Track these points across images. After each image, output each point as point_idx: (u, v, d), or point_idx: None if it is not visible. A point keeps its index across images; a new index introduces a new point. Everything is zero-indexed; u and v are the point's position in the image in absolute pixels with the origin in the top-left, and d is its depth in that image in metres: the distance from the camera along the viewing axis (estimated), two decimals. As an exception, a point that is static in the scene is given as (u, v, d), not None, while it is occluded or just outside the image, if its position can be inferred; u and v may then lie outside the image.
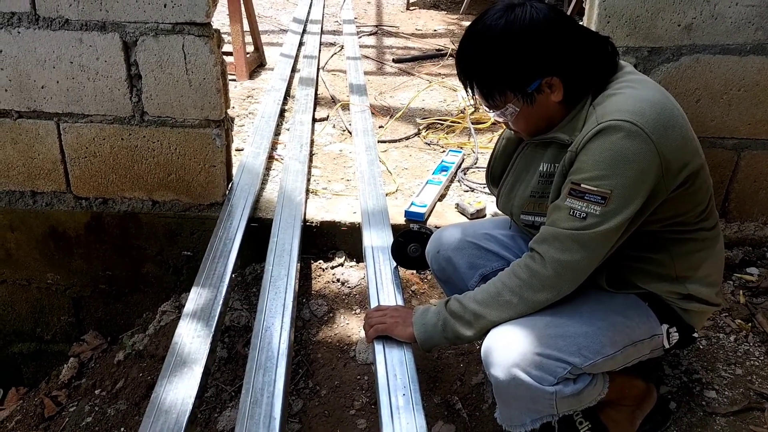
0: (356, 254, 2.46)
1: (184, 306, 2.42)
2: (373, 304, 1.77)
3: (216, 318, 1.74)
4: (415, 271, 2.30)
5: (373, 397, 1.99)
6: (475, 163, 2.97)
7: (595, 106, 1.40)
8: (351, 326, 2.22)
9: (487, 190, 2.70)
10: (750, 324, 2.09)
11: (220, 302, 1.80)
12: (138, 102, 2.25)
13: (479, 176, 2.86)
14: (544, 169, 1.50)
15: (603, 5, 2.10)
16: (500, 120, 1.51)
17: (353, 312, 2.29)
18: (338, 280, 2.38)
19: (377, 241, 2.08)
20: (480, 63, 1.41)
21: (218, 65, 2.20)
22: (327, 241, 2.44)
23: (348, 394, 2.01)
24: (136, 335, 2.46)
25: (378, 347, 1.59)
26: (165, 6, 2.11)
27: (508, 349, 1.42)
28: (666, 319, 1.55)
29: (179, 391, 1.47)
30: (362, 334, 2.19)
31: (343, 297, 2.33)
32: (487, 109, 1.50)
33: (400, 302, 1.81)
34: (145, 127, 2.29)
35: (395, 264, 1.99)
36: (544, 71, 1.38)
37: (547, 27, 1.37)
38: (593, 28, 2.12)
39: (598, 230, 1.37)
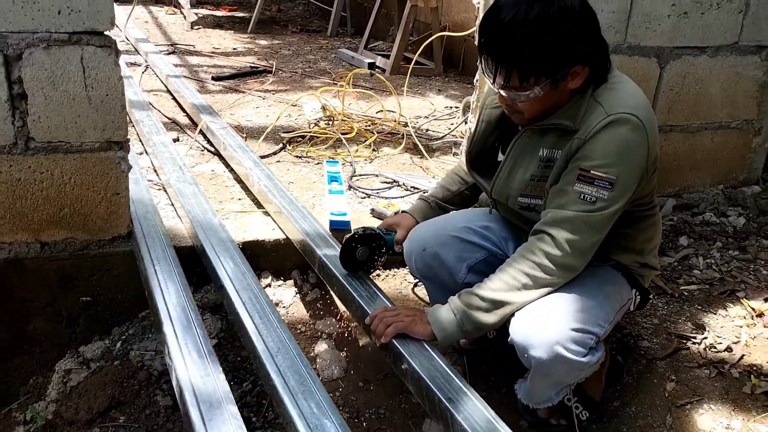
0: (282, 273, 2.36)
1: (90, 360, 2.11)
2: (369, 309, 1.72)
3: (212, 351, 1.55)
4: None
5: (352, 413, 1.93)
6: (355, 172, 3.00)
7: (596, 97, 1.53)
8: (301, 346, 2.12)
9: (384, 194, 2.77)
10: (642, 281, 2.44)
11: (205, 333, 1.62)
12: (22, 127, 1.90)
13: (367, 182, 2.91)
14: (544, 155, 1.61)
15: None
16: (510, 100, 1.53)
17: (298, 331, 2.19)
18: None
19: (329, 251, 2.02)
20: (529, 50, 1.42)
21: (122, 79, 1.96)
22: (251, 262, 2.28)
23: (326, 413, 1.92)
24: (30, 406, 2.05)
25: (402, 347, 1.57)
26: (59, 13, 1.82)
27: (545, 329, 1.50)
28: (632, 286, 1.76)
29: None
30: (318, 349, 2.11)
31: (282, 318, 2.21)
32: (504, 90, 1.50)
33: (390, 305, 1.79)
34: (32, 155, 1.94)
35: (344, 270, 1.94)
36: (578, 60, 1.47)
37: (590, 15, 1.48)
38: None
39: (606, 212, 1.52)
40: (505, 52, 1.46)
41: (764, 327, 2.18)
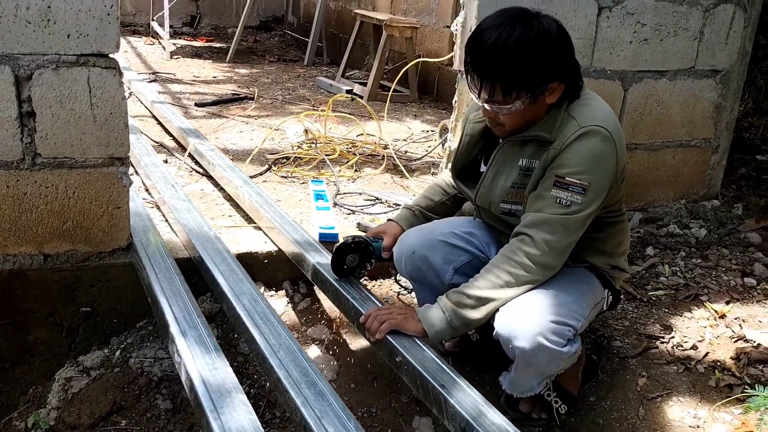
0: (273, 283, 2.47)
1: (90, 368, 2.19)
2: (362, 309, 1.84)
3: (218, 347, 1.66)
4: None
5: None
6: (339, 191, 3.13)
7: (570, 111, 1.69)
8: (295, 351, 2.22)
9: (368, 210, 2.91)
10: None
11: (210, 332, 1.72)
12: (30, 143, 2.00)
13: (351, 200, 3.04)
14: (523, 164, 1.76)
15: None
16: (493, 113, 1.68)
17: (291, 337, 2.29)
18: (264, 310, 2.35)
19: (321, 259, 2.14)
20: (512, 67, 1.58)
21: (125, 99, 2.08)
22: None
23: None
24: (33, 412, 2.11)
25: (396, 342, 1.70)
26: (69, 36, 1.94)
27: (528, 321, 1.63)
28: (605, 286, 1.91)
29: (241, 417, 1.40)
30: (310, 355, 2.21)
31: (275, 325, 2.31)
32: (487, 104, 1.65)
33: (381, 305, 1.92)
34: (38, 171, 2.04)
35: (334, 274, 2.06)
36: (556, 77, 1.64)
37: (566, 38, 1.64)
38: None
39: (580, 215, 1.67)
40: (489, 70, 1.61)
41: (726, 327, 2.35)
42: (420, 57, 5.10)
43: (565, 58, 1.66)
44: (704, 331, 2.33)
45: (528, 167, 1.76)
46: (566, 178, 1.66)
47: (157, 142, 3.70)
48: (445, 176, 2.15)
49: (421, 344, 1.71)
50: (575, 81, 1.70)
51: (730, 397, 2.03)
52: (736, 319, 2.38)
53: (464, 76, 1.70)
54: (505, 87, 1.61)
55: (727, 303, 2.48)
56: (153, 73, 5.60)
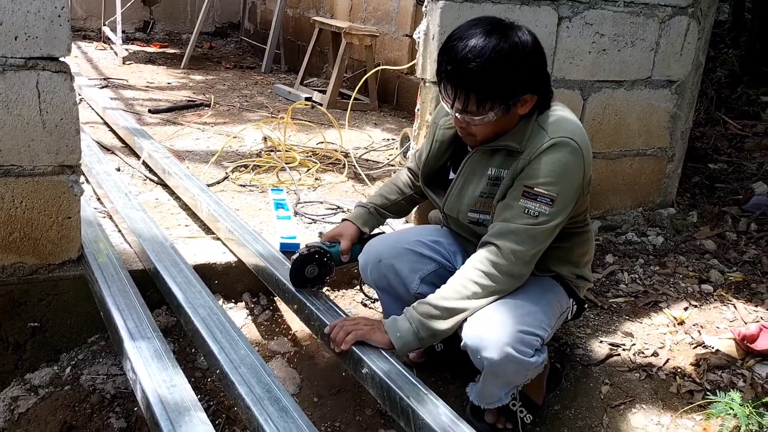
0: (232, 295, 2.40)
1: (38, 386, 2.08)
2: (327, 321, 1.80)
3: (176, 365, 1.58)
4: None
5: None
6: (299, 200, 3.08)
7: (540, 122, 1.68)
8: (255, 364, 2.16)
9: (329, 219, 2.86)
10: (574, 296, 2.61)
11: (167, 347, 1.65)
12: (-26, 150, 1.90)
13: (312, 209, 2.99)
14: (492, 173, 1.75)
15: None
16: (465, 123, 1.65)
17: (251, 351, 2.22)
18: (223, 323, 2.28)
19: (284, 270, 2.08)
20: (487, 78, 1.55)
21: (77, 104, 1.99)
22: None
23: None
24: (-25, 435, 2.00)
25: (362, 353, 1.66)
26: (16, 38, 1.85)
27: (496, 331, 1.61)
28: (569, 295, 1.91)
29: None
30: (273, 367, 2.15)
31: (235, 338, 2.24)
32: (460, 114, 1.63)
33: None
34: (-18, 179, 1.94)
35: (295, 287, 2.01)
36: (529, 89, 1.62)
37: (539, 50, 1.63)
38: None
39: (547, 226, 1.67)
40: (464, 80, 1.58)
41: (685, 333, 2.38)
42: (380, 65, 5.09)
43: (538, 70, 1.65)
44: (664, 337, 2.36)
45: (497, 176, 1.75)
46: (535, 189, 1.65)
47: (108, 149, 3.58)
48: (402, 175, 2.11)
49: (387, 356, 1.68)
50: (546, 92, 1.70)
51: (691, 403, 2.06)
52: (694, 325, 2.42)
53: (437, 85, 1.67)
54: (479, 98, 1.59)
55: (686, 309, 2.51)
56: (105, 79, 5.44)
